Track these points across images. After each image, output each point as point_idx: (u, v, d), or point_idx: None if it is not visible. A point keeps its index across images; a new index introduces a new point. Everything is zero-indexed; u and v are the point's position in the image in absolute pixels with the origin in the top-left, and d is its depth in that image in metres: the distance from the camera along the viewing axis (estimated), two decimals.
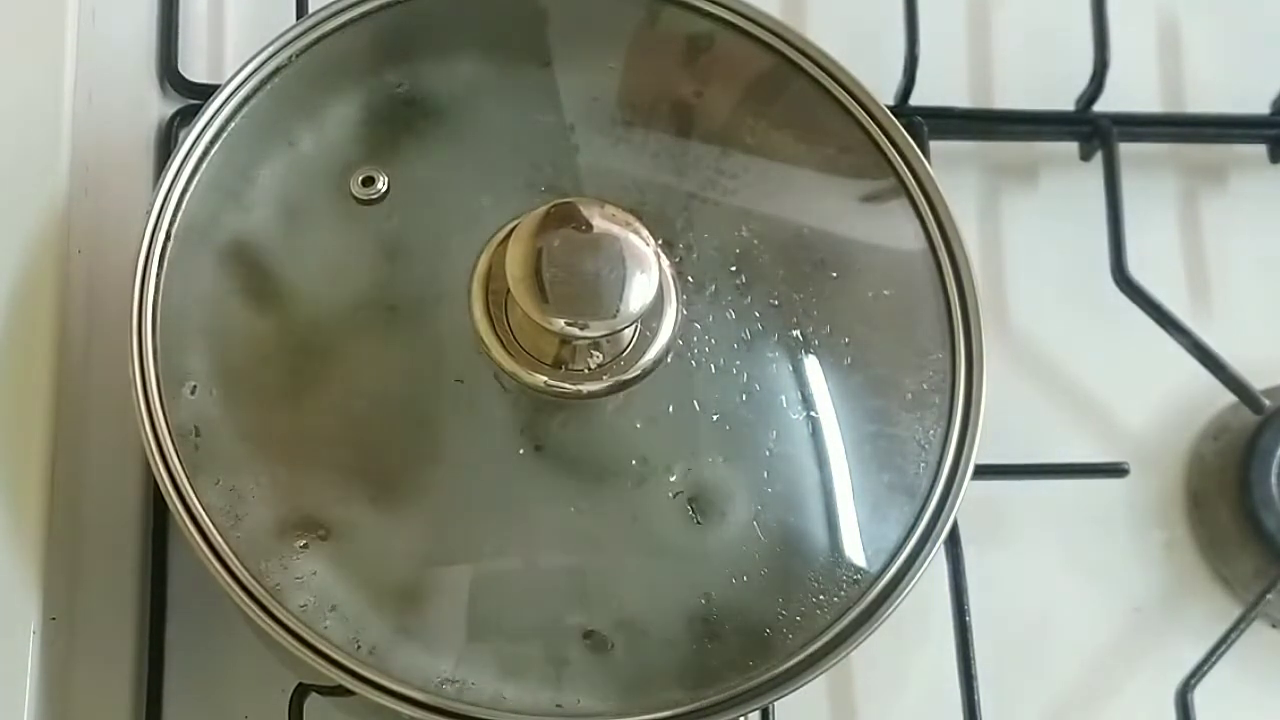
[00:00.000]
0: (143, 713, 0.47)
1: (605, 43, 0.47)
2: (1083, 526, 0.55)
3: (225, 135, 0.44)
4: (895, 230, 0.46)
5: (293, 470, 0.41)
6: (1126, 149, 0.56)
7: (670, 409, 0.43)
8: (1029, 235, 0.58)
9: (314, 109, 0.45)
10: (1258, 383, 0.54)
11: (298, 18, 0.51)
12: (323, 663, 0.39)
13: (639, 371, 0.42)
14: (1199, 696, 0.50)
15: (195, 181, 0.43)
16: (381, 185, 0.43)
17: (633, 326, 0.41)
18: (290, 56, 0.45)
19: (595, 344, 0.41)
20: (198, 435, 0.41)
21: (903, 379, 0.44)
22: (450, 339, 0.42)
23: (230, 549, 0.40)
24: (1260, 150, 0.59)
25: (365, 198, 0.43)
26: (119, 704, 0.47)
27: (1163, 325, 0.54)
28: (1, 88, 0.46)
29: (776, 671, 0.41)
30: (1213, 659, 0.51)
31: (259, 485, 0.41)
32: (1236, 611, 0.52)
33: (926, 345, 0.45)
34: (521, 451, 0.42)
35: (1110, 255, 0.55)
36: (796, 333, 0.44)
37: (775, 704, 0.47)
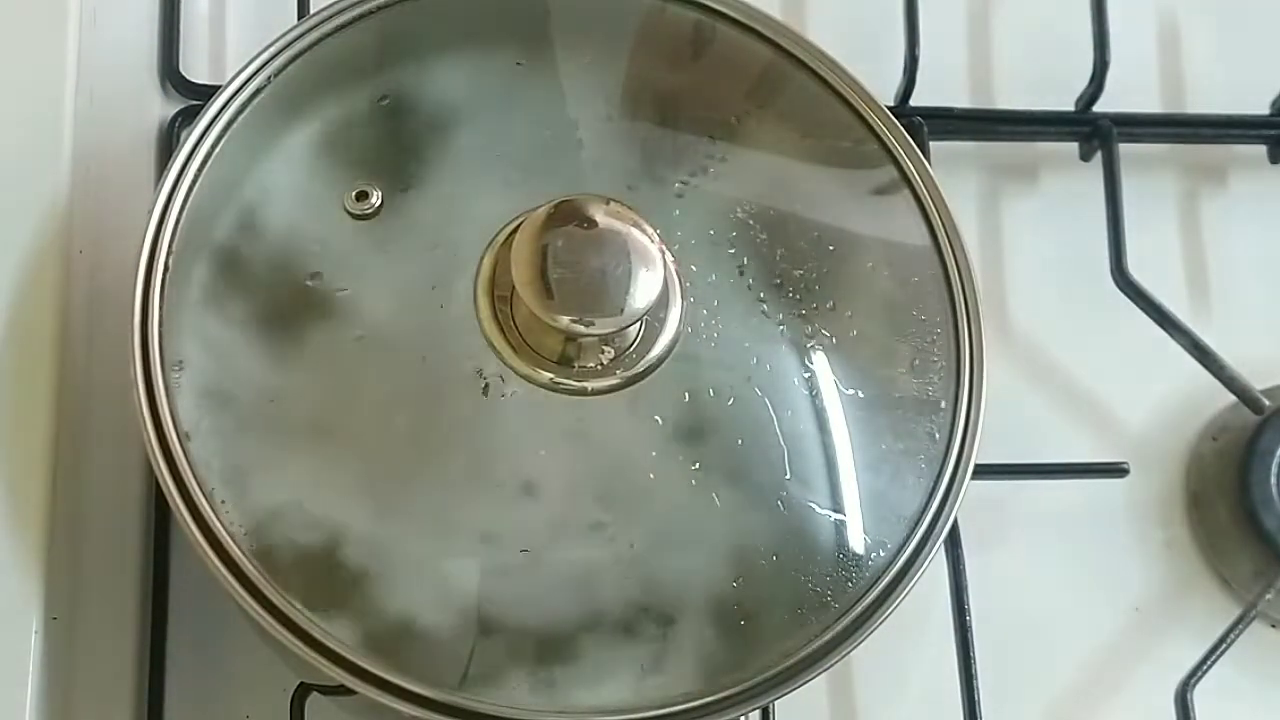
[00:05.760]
0: (144, 712, 0.47)
1: (607, 39, 0.47)
2: (1083, 526, 0.55)
3: (227, 136, 0.44)
4: (894, 226, 0.46)
5: (296, 470, 0.41)
6: (1126, 149, 0.56)
7: (686, 397, 0.43)
8: (1029, 235, 0.58)
9: (316, 109, 0.45)
10: (1258, 383, 0.54)
11: (299, 18, 0.51)
12: (325, 662, 0.39)
13: (646, 367, 0.42)
14: (1199, 696, 0.50)
15: (197, 182, 0.43)
16: (376, 200, 0.43)
17: (639, 322, 0.41)
18: (292, 57, 0.45)
19: (604, 340, 0.41)
20: (199, 435, 0.41)
21: (903, 379, 0.44)
22: (457, 340, 0.42)
23: (232, 548, 0.40)
24: (1260, 150, 0.59)
25: (360, 212, 0.43)
26: (120, 703, 0.47)
27: (1163, 325, 0.54)
28: (3, 88, 0.46)
29: (776, 671, 0.41)
30: (1212, 659, 0.51)
31: (261, 485, 0.41)
32: (1236, 611, 0.52)
33: (927, 344, 0.45)
34: (538, 447, 0.42)
35: (1110, 255, 0.55)
36: (803, 324, 0.44)
37: (775, 704, 0.47)
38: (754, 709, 0.41)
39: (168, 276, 0.42)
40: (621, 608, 0.41)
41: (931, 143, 0.55)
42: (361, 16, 0.46)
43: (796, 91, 0.47)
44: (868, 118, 0.46)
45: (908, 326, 0.45)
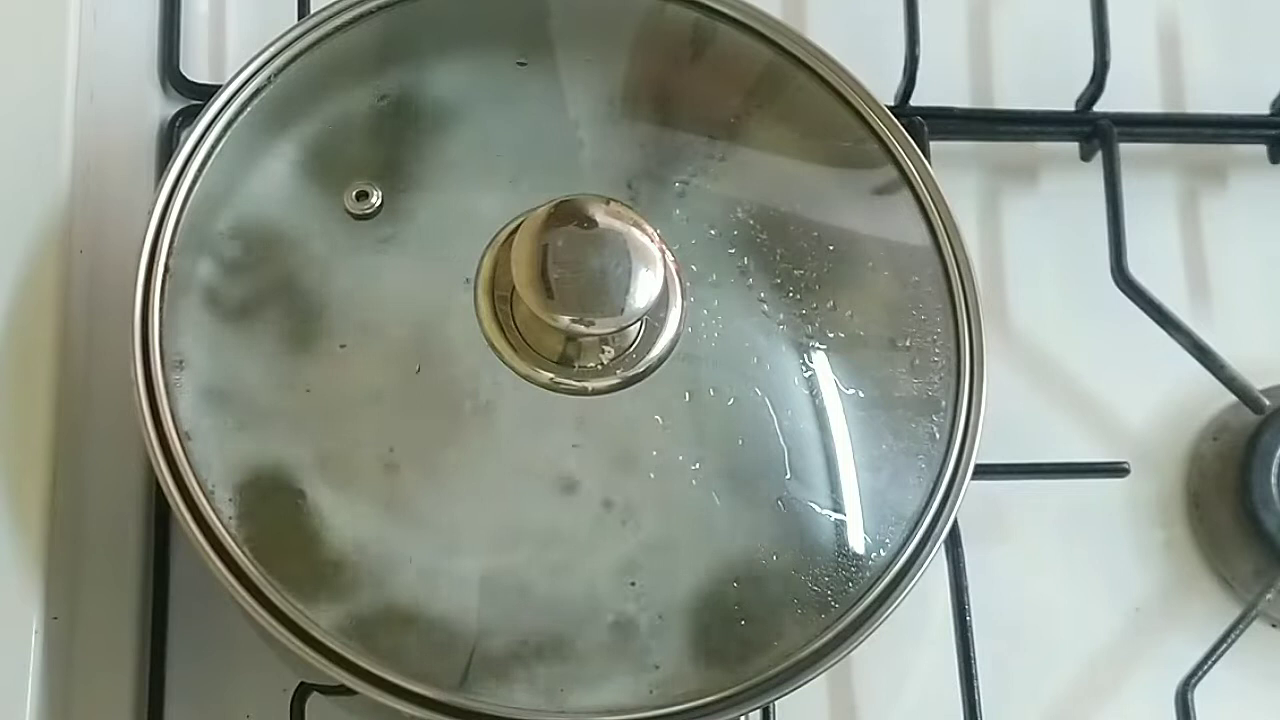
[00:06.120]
0: (144, 712, 0.47)
1: (607, 39, 0.47)
2: (1083, 526, 0.55)
3: (227, 136, 0.44)
4: (894, 226, 0.46)
5: (296, 470, 0.41)
6: (1126, 149, 0.56)
7: (686, 397, 0.43)
8: (1029, 235, 0.58)
9: (316, 109, 0.45)
10: (1258, 383, 0.54)
11: (299, 18, 0.51)
12: (325, 662, 0.39)
13: (646, 367, 0.42)
14: (1199, 696, 0.50)
15: (197, 182, 0.43)
16: (376, 199, 0.43)
17: (639, 322, 0.41)
18: (292, 57, 0.45)
19: (604, 340, 0.41)
20: (199, 435, 0.41)
21: (903, 379, 0.44)
22: (457, 340, 0.42)
23: (232, 548, 0.40)
24: (1260, 150, 0.59)
25: (360, 212, 0.43)
26: (121, 703, 0.47)
27: (1163, 325, 0.54)
28: (3, 88, 0.46)
29: (776, 671, 0.41)
30: (1213, 659, 0.51)
31: (262, 484, 0.41)
32: (1236, 611, 0.52)
33: (927, 344, 0.45)
34: (537, 448, 0.42)
35: (1110, 255, 0.55)
36: (803, 324, 0.44)
37: (775, 704, 0.47)
38: (754, 709, 0.41)
39: (168, 276, 0.42)
40: (621, 607, 0.41)
41: (931, 143, 0.55)
42: (361, 16, 0.46)
43: (796, 91, 0.47)
44: (868, 118, 0.47)
45: (908, 326, 0.45)
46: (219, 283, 0.43)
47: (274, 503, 0.41)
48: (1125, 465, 0.53)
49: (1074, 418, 0.56)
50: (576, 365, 0.42)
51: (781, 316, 0.44)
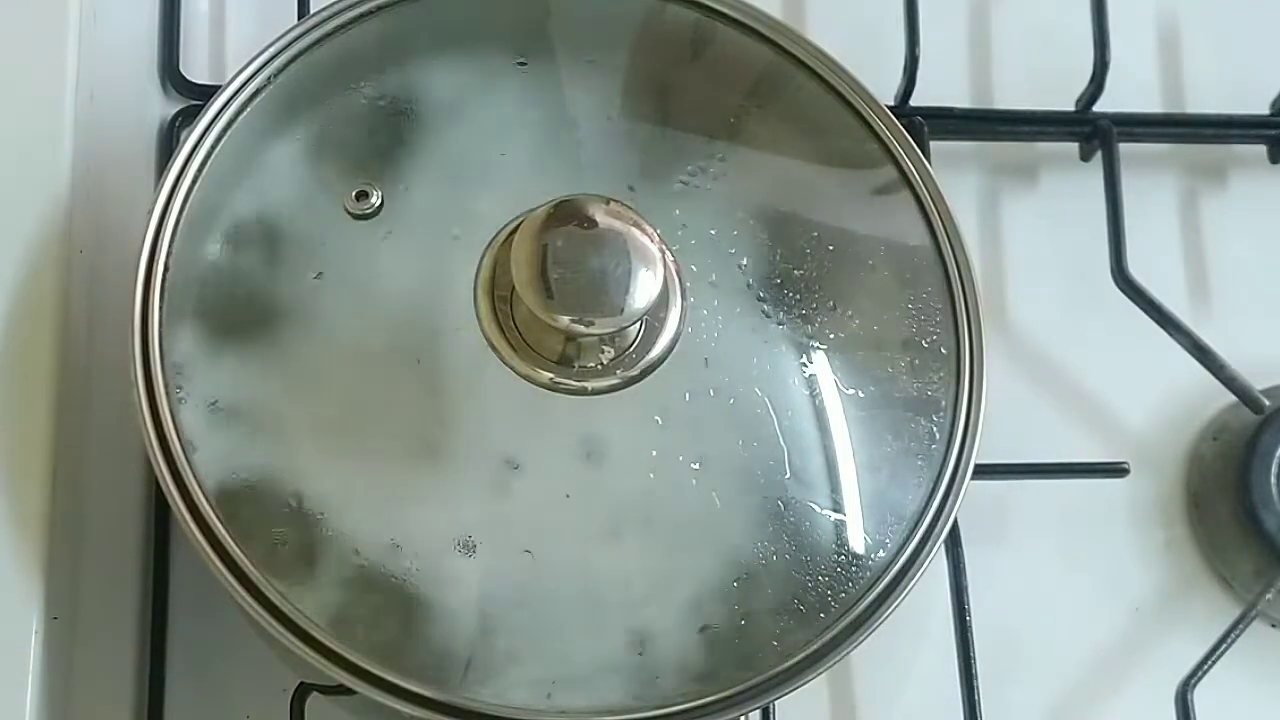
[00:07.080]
0: (144, 712, 0.47)
1: (607, 39, 0.47)
2: (1083, 526, 0.55)
3: (227, 136, 0.44)
4: (894, 226, 0.46)
5: (297, 470, 0.41)
6: (1126, 149, 0.56)
7: (686, 397, 0.43)
8: (1029, 235, 0.58)
9: (316, 109, 0.45)
10: (1258, 383, 0.54)
11: (299, 18, 0.51)
12: (325, 662, 0.39)
13: (646, 367, 0.42)
14: (1199, 696, 0.50)
15: (197, 182, 0.43)
16: (376, 199, 0.43)
17: (639, 322, 0.41)
18: (292, 57, 0.45)
19: (604, 340, 0.41)
20: (199, 435, 0.41)
21: (903, 379, 0.44)
22: (457, 340, 0.42)
23: (232, 548, 0.40)
24: (1260, 150, 0.59)
25: (360, 212, 0.43)
26: (120, 703, 0.47)
27: (1163, 325, 0.54)
28: (3, 88, 0.46)
29: (776, 671, 0.41)
30: (1213, 659, 0.51)
31: (262, 484, 0.41)
32: (1236, 611, 0.52)
33: (927, 345, 0.45)
34: (538, 448, 0.42)
35: (1110, 255, 0.55)
36: (803, 324, 0.44)
37: (775, 703, 0.47)
38: (754, 709, 0.41)
39: (168, 276, 0.42)
40: (621, 607, 0.41)
41: (931, 143, 0.55)
42: (361, 16, 0.46)
43: (796, 91, 0.47)
44: (868, 118, 0.47)
45: (907, 326, 0.45)
46: (219, 282, 0.43)
47: (272, 502, 0.41)
48: (1125, 465, 0.53)
49: (1074, 418, 0.56)
50: (576, 365, 0.42)
51: (781, 316, 0.44)
